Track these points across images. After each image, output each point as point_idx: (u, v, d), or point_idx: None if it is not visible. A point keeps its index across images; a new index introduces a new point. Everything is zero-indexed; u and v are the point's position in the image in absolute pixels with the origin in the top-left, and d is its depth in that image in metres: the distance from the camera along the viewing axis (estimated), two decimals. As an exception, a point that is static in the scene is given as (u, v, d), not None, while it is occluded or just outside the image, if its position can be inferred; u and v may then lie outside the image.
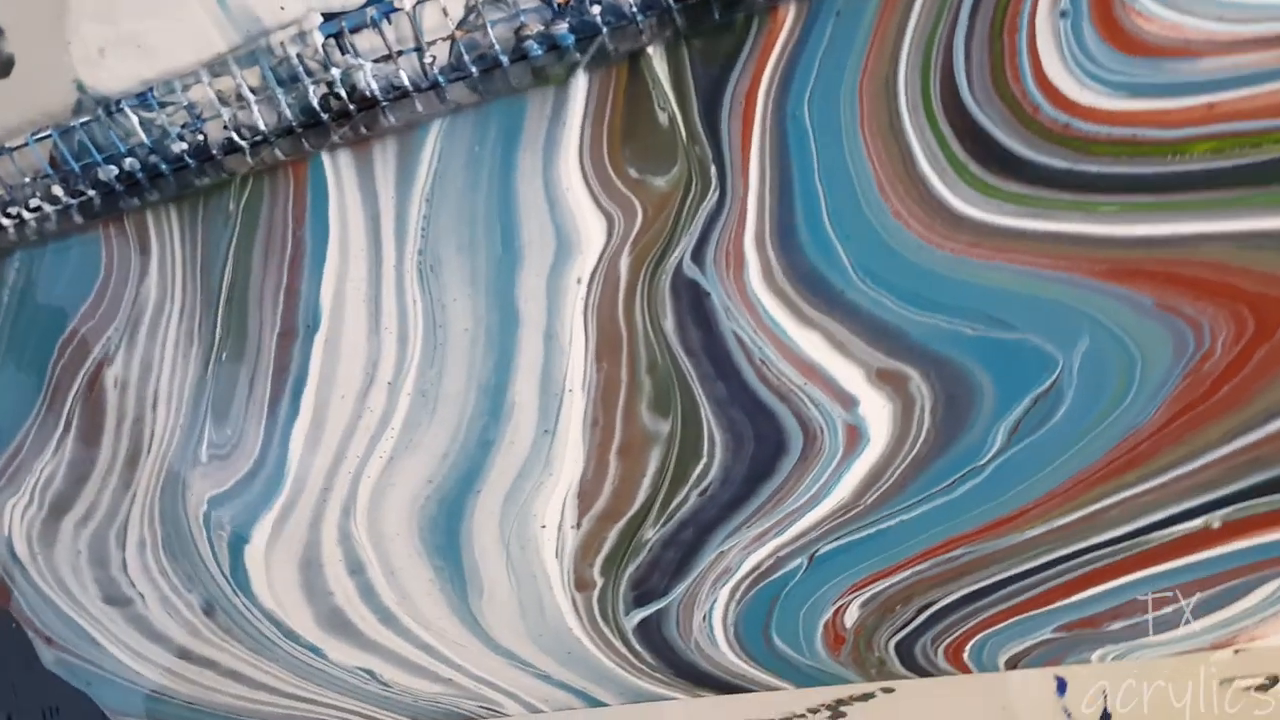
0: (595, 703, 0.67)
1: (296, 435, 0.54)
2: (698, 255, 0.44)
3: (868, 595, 0.55)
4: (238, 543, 0.61)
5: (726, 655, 0.61)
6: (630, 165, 0.43)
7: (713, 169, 0.42)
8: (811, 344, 0.46)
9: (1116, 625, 0.54)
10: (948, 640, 0.57)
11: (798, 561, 0.55)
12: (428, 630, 0.64)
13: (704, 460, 0.51)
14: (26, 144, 0.53)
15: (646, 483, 0.53)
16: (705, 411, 0.49)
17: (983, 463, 0.49)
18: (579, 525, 0.56)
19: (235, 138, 0.50)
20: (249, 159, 0.50)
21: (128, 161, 0.52)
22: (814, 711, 0.67)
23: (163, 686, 0.73)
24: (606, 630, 0.61)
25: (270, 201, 0.46)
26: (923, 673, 0.59)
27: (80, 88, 0.51)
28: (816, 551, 0.54)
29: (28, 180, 0.54)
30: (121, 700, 0.72)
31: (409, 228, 0.45)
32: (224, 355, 0.52)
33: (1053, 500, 0.49)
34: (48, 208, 0.54)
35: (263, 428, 0.54)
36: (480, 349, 0.49)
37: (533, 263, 0.45)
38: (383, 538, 0.59)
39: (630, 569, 0.57)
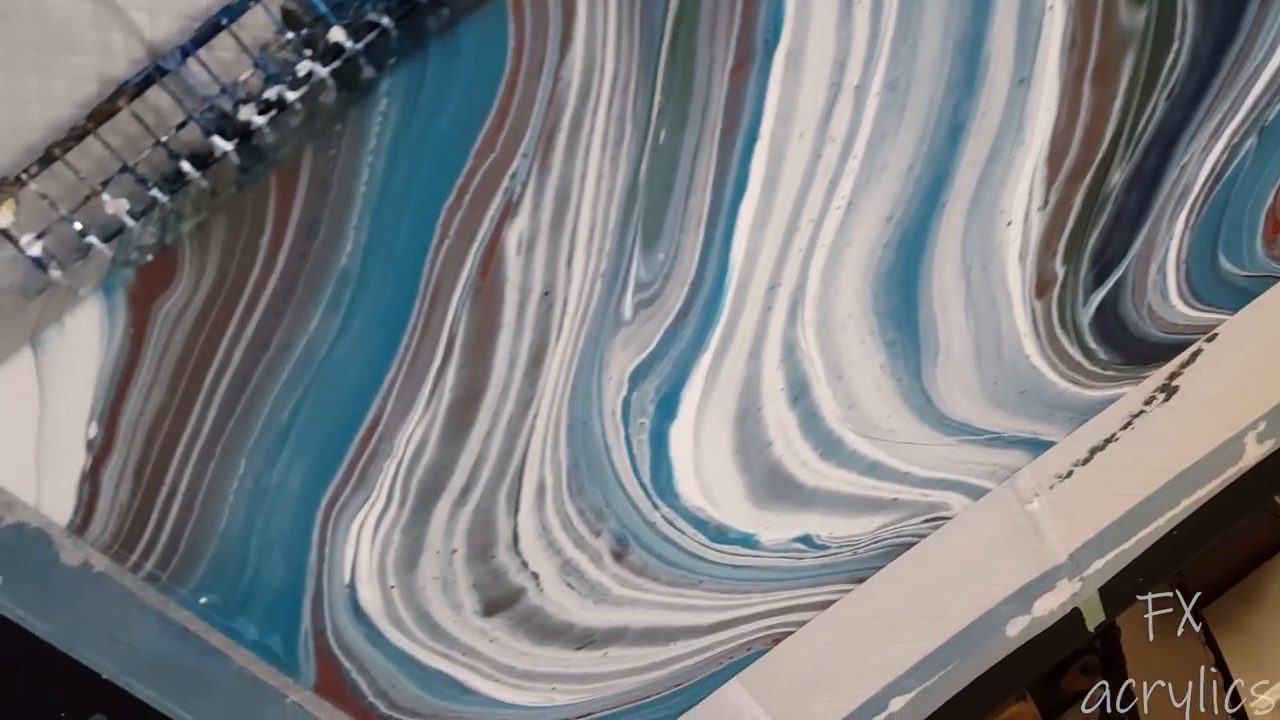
0: (1043, 447, 0.60)
1: (744, 215, 0.44)
2: None
3: (1306, 154, 0.53)
4: (661, 427, 0.49)
5: (1176, 307, 0.57)
6: None
7: None
8: None
9: None
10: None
11: (1249, 143, 0.52)
12: (874, 441, 0.55)
13: (1174, 46, 0.47)
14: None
15: (1117, 106, 0.48)
16: (1182, -26, 0.45)
17: None
18: (1045, 203, 0.49)
19: None
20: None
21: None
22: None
23: (540, 711, 0.59)
24: (1064, 337, 0.55)
25: None
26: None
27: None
28: (1265, 121, 0.51)
29: (288, 38, 0.39)
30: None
31: None
32: (661, 134, 0.41)
33: None
34: (320, 70, 0.40)
35: (703, 226, 0.44)
36: (959, -11, 0.42)
37: None
38: (832, 332, 0.49)
39: (1093, 239, 0.52)
